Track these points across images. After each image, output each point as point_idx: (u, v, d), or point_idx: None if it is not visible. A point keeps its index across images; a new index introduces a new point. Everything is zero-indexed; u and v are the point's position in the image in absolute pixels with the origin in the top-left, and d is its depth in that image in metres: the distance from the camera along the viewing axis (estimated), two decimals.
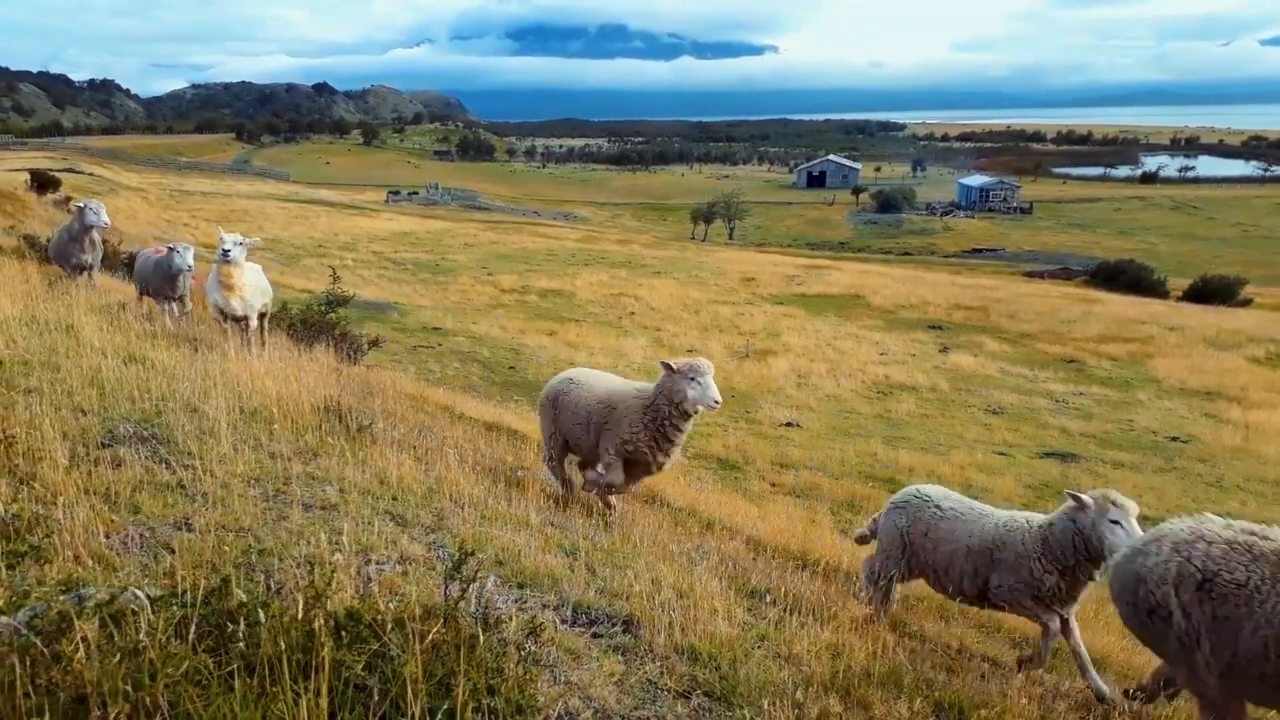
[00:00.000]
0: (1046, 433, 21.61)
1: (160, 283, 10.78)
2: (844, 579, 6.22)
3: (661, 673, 3.51)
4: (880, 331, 34.61)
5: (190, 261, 10.56)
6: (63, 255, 12.02)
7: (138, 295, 11.67)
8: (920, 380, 26.10)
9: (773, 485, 16.01)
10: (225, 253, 9.39)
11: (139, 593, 2.24)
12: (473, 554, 2.69)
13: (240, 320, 9.61)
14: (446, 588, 2.57)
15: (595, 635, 3.71)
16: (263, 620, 2.29)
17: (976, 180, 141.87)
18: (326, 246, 48.25)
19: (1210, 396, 26.55)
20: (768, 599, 4.93)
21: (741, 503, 12.13)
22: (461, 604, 2.53)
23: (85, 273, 11.94)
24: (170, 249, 10.65)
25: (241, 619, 2.29)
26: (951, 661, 4.73)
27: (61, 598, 2.29)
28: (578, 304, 36.74)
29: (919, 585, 6.96)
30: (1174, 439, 21.53)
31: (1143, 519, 15.76)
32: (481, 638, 2.41)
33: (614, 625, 3.84)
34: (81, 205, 11.73)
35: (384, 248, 50.20)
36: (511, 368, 23.06)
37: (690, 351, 28.47)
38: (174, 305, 10.99)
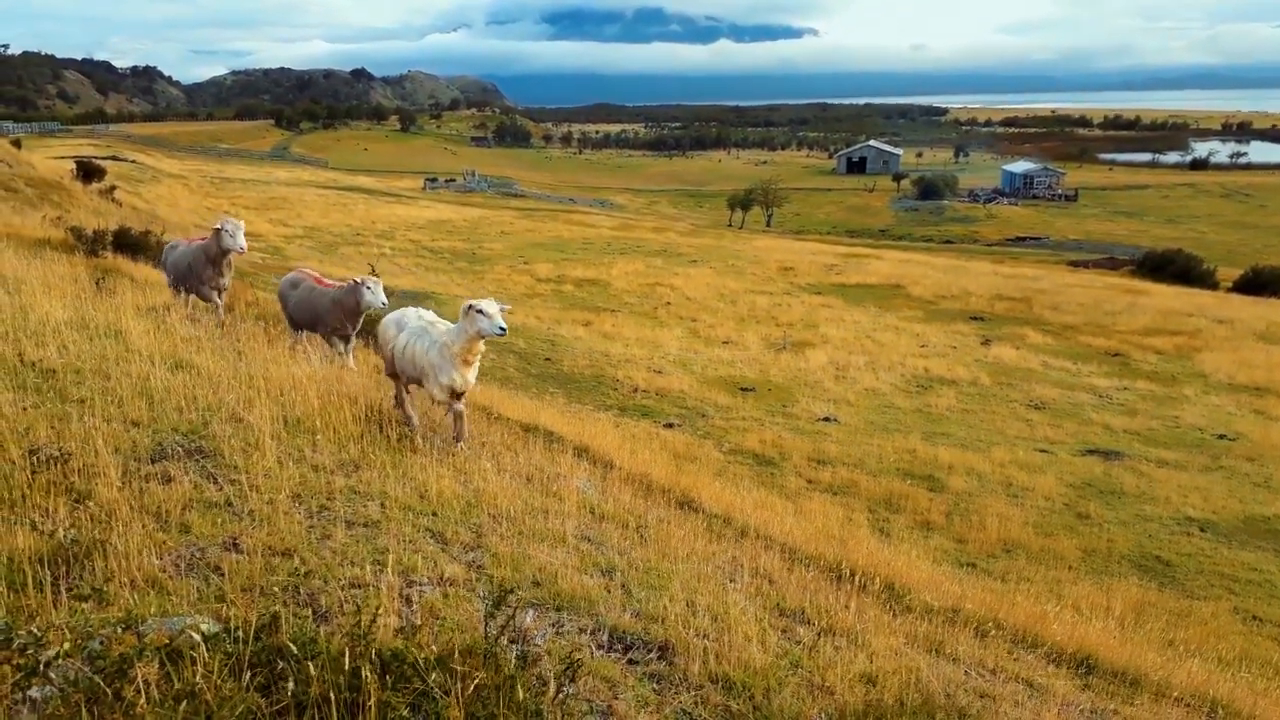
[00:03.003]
0: (1089, 429, 21.34)
1: (341, 320, 9.78)
2: (880, 591, 6.22)
3: (696, 703, 3.55)
4: (920, 323, 34.29)
5: (383, 299, 9.53)
6: (196, 278, 10.93)
7: (293, 329, 10.68)
8: (961, 374, 25.87)
9: (809, 482, 15.99)
10: (502, 329, 7.12)
11: (194, 635, 2.33)
12: (511, 591, 2.75)
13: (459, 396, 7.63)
14: (487, 626, 2.64)
15: (631, 662, 3.76)
16: (311, 658, 2.37)
17: (1020, 166, 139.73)
18: (364, 234, 48.74)
19: (1260, 392, 26.03)
20: (802, 617, 4.96)
21: (778, 502, 12.14)
22: (501, 639, 2.59)
23: (220, 293, 11.09)
24: (357, 283, 9.53)
25: (291, 657, 2.37)
26: (986, 685, 4.72)
27: (121, 630, 2.38)
28: (613, 294, 36.81)
29: (956, 597, 6.93)
30: (1221, 436, 21.18)
31: (1188, 520, 15.55)
32: (520, 678, 2.47)
33: (649, 652, 3.89)
34: (219, 227, 10.55)
35: (421, 236, 50.60)
36: (547, 359, 23.18)
37: (726, 343, 28.45)
38: (341, 342, 10.08)
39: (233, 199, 57.73)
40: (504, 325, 7.14)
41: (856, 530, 11.18)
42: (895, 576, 6.79)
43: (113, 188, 36.31)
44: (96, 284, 10.56)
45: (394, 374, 7.72)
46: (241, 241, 10.50)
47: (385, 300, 9.59)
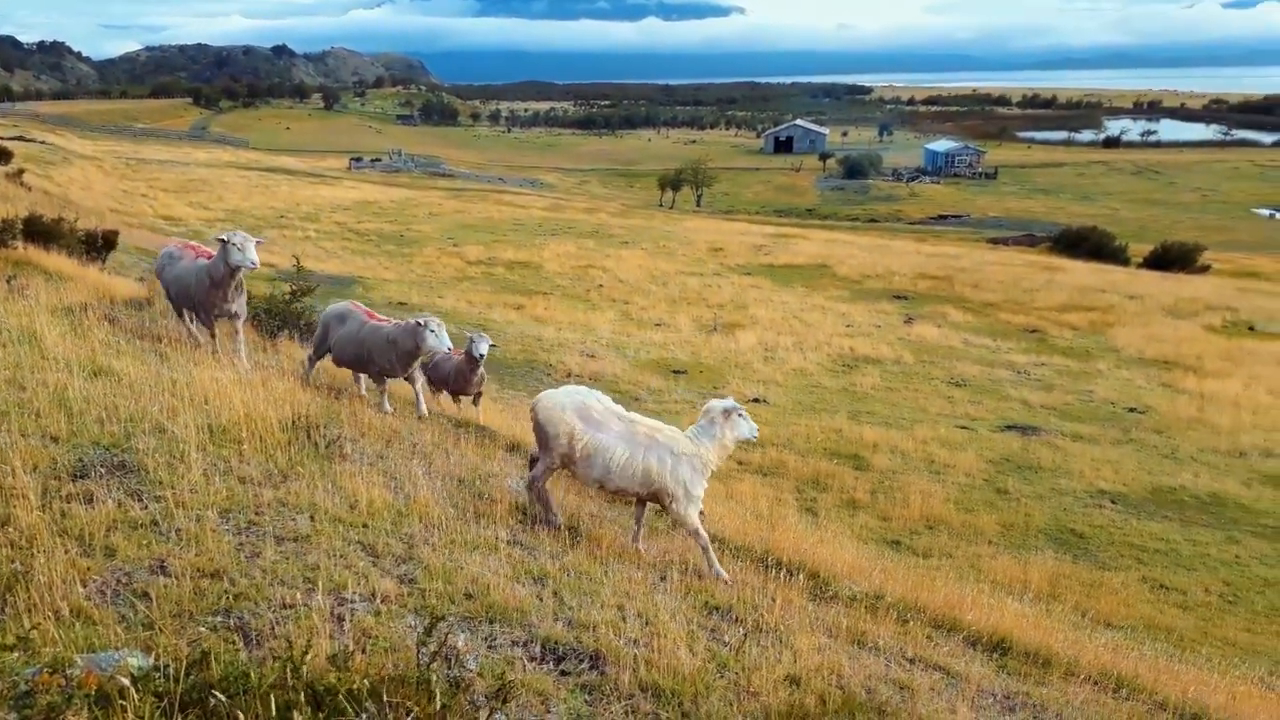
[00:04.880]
0: (1008, 405, 22.05)
1: (395, 362, 8.85)
2: (805, 581, 6.42)
3: (627, 713, 3.64)
4: (846, 303, 34.93)
5: (448, 343, 8.85)
6: (198, 303, 9.36)
7: (313, 355, 9.71)
8: (885, 352, 26.47)
9: (740, 464, 16.26)
10: (755, 431, 6.86)
11: (123, 679, 2.33)
12: (443, 618, 2.81)
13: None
14: (419, 653, 2.69)
15: (563, 673, 3.84)
16: (243, 693, 2.39)
17: (942, 145, 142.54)
18: (288, 217, 47.69)
19: (1167, 366, 27.17)
20: (730, 615, 5.11)
21: (709, 486, 12.33)
22: (433, 664, 2.64)
23: (231, 321, 9.44)
24: (419, 325, 8.63)
25: (222, 693, 2.40)
26: (905, 676, 4.93)
27: (48, 673, 2.37)
28: (545, 276, 36.68)
29: (878, 583, 7.18)
30: (1132, 410, 22.06)
31: (1100, 493, 16.15)
32: (451, 706, 2.53)
33: (581, 662, 3.97)
34: (225, 240, 8.93)
35: (347, 218, 49.69)
36: None
37: (658, 325, 28.61)
38: (381, 382, 9.20)
39: (150, 181, 55.90)
40: (755, 425, 6.84)
41: (785, 512, 11.43)
42: (820, 565, 7.00)
43: (21, 171, 34.90)
44: (8, 282, 10.17)
45: (544, 460, 6.61)
46: (253, 256, 8.90)
47: (450, 344, 8.91)
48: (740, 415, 6.74)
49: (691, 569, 5.98)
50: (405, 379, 9.20)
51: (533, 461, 6.96)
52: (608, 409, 6.70)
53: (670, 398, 20.18)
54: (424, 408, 9.24)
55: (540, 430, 6.58)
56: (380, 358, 8.89)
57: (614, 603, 4.71)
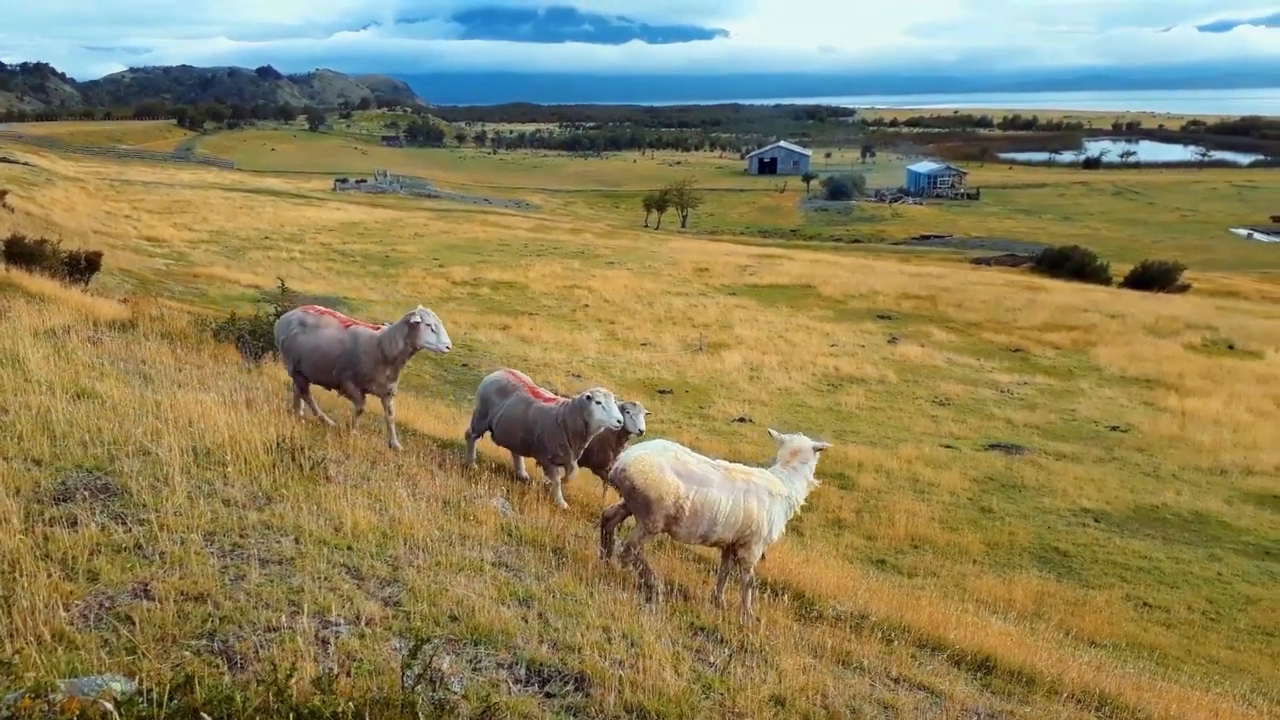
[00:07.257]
0: (992, 424, 22.17)
1: (566, 445, 7.98)
2: (791, 601, 6.44)
3: None
4: (830, 322, 35.11)
5: (618, 415, 7.80)
6: (362, 376, 8.18)
7: (471, 433, 8.86)
8: (869, 372, 26.60)
9: None
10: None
11: (107, 704, 2.33)
12: (427, 641, 2.81)
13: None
14: (404, 675, 2.69)
15: (548, 695, 3.83)
16: (227, 716, 2.40)
17: (924, 166, 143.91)
18: (273, 238, 47.62)
19: (1149, 384, 27.38)
20: (716, 636, 5.12)
21: None
22: (418, 687, 2.65)
23: (384, 400, 8.42)
24: (586, 399, 7.72)
25: (207, 717, 2.40)
26: (889, 696, 4.96)
27: (31, 698, 2.37)
28: (531, 296, 36.74)
29: (863, 603, 7.19)
30: (1114, 428, 22.21)
31: (1084, 511, 16.19)
32: None
33: (567, 684, 3.96)
34: (416, 321, 7.93)
35: (332, 239, 49.65)
36: (464, 365, 23.00)
37: (644, 345, 28.67)
38: (552, 474, 8.27)
39: (134, 202, 55.75)
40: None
41: None
42: (806, 584, 7.01)
43: (4, 192, 34.74)
44: None
45: (643, 525, 6.20)
46: (447, 339, 8.07)
47: (620, 417, 7.83)
48: (818, 450, 6.64)
49: (677, 588, 6.00)
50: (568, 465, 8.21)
51: (605, 521, 6.61)
52: (698, 459, 6.38)
53: (656, 417, 20.16)
54: (560, 496, 8.32)
55: (639, 496, 6.12)
56: (552, 443, 8.00)
57: (599, 624, 4.71)
